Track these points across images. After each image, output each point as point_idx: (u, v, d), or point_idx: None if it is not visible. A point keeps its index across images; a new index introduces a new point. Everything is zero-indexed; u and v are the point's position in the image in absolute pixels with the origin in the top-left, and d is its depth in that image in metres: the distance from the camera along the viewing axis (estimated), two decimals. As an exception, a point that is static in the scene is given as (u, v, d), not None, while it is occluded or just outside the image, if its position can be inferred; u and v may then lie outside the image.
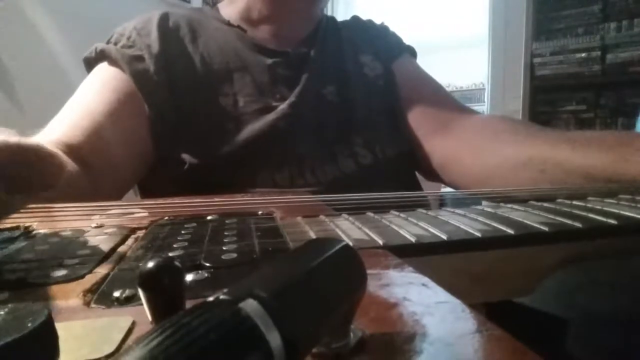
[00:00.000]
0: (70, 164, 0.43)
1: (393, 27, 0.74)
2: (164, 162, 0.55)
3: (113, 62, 0.56)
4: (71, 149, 0.46)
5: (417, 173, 0.67)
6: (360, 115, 0.61)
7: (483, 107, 2.40)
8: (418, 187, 0.65)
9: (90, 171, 0.46)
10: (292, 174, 0.54)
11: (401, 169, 0.62)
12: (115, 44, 0.56)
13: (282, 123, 0.55)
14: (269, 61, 0.59)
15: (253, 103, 0.57)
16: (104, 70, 0.56)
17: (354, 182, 0.55)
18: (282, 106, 0.56)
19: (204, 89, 0.56)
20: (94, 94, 0.54)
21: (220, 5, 0.67)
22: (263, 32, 0.62)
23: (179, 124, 0.55)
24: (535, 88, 2.27)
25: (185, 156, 0.53)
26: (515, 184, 0.49)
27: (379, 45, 0.69)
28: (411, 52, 0.73)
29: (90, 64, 0.58)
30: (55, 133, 0.48)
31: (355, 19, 0.74)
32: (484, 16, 2.36)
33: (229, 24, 0.62)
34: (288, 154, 0.55)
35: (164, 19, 0.59)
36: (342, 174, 0.56)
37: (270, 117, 0.55)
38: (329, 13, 0.74)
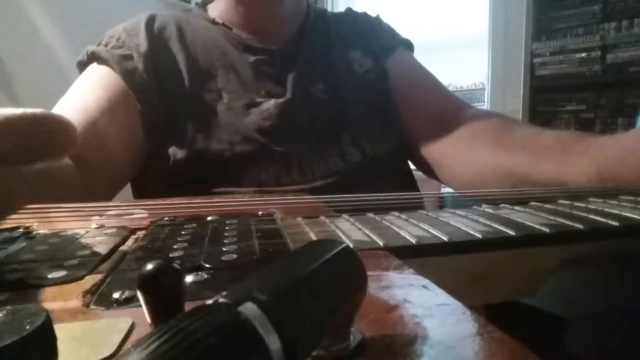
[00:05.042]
0: (65, 160, 0.43)
1: (393, 27, 0.73)
2: (154, 159, 0.55)
3: (103, 62, 0.56)
4: None
5: (416, 169, 0.67)
6: (349, 112, 0.61)
7: (483, 107, 2.39)
8: (413, 185, 0.65)
9: (85, 167, 0.46)
10: (279, 172, 0.54)
11: (393, 166, 0.62)
12: (106, 45, 0.58)
13: (269, 122, 0.55)
14: (252, 58, 0.60)
15: (237, 99, 0.57)
16: (95, 69, 0.57)
17: (342, 181, 0.55)
18: (269, 105, 0.57)
19: (190, 86, 0.57)
20: (88, 91, 0.55)
21: (209, 6, 0.67)
22: (248, 31, 0.63)
23: (167, 121, 0.55)
24: (535, 88, 2.27)
25: (172, 153, 0.53)
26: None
27: (372, 39, 0.68)
28: (407, 46, 0.71)
29: (82, 67, 0.59)
30: None
31: (349, 11, 0.73)
32: (484, 16, 2.36)
33: (214, 22, 0.63)
34: (275, 153, 0.55)
35: (151, 20, 0.60)
36: (331, 172, 0.55)
37: (256, 116, 0.56)
38: (329, 9, 0.74)
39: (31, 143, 0.24)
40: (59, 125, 0.25)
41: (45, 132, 0.24)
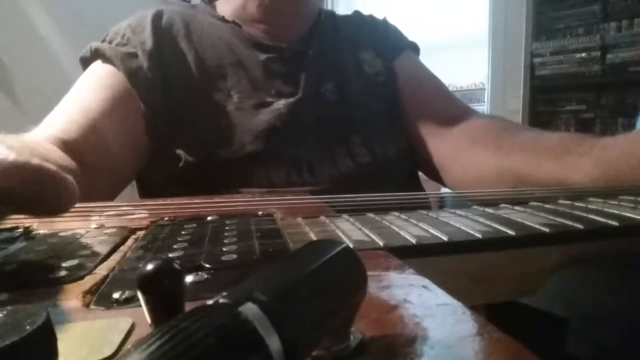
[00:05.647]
0: (68, 161, 0.43)
1: (399, 29, 0.73)
2: (160, 160, 0.55)
3: (107, 60, 0.55)
4: (67, 145, 0.46)
5: (419, 172, 0.67)
6: (359, 113, 0.60)
7: (483, 107, 2.40)
8: (419, 186, 0.65)
9: (86, 167, 0.46)
10: (289, 172, 0.53)
11: (401, 168, 0.62)
12: (110, 42, 0.57)
13: (279, 122, 0.55)
14: (263, 56, 0.59)
15: (248, 98, 0.56)
16: (98, 67, 0.56)
17: (352, 181, 0.54)
18: (279, 105, 0.56)
19: (198, 85, 0.56)
20: (90, 90, 0.54)
21: (217, 3, 0.67)
22: (258, 29, 0.62)
23: (173, 121, 0.55)
24: (535, 88, 2.27)
25: (180, 153, 0.53)
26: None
27: (380, 41, 0.68)
28: (413, 49, 0.72)
29: (86, 63, 0.58)
30: (50, 129, 0.48)
31: (356, 14, 0.73)
32: (484, 16, 2.36)
33: (223, 19, 0.62)
34: (285, 153, 0.54)
35: (157, 16, 0.59)
36: (340, 173, 0.55)
37: (267, 115, 0.55)
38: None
39: (21, 198, 0.21)
40: (56, 186, 0.22)
41: (38, 192, 0.21)
